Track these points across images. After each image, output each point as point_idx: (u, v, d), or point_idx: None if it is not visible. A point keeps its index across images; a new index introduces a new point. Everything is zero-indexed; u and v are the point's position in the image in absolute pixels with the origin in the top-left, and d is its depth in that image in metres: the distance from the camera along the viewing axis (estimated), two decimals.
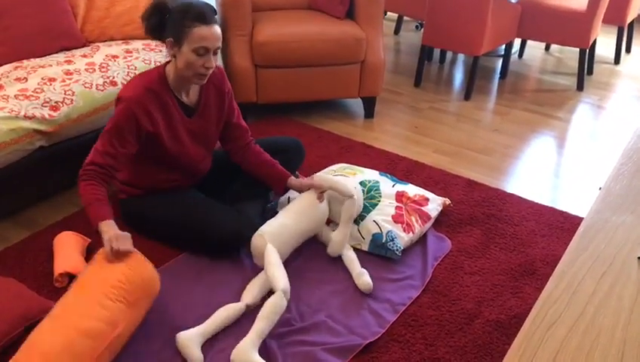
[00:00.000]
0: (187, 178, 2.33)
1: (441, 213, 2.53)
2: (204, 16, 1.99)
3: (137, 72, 2.67)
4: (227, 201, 2.37)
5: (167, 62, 2.14)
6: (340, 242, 2.22)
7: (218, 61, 3.30)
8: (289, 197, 2.45)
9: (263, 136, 3.13)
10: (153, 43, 2.88)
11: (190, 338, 1.80)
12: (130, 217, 2.34)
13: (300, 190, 2.33)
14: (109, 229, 1.89)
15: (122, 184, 2.32)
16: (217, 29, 2.02)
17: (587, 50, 3.91)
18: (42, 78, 2.44)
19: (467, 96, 3.79)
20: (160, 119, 2.11)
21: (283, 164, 2.42)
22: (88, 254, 2.22)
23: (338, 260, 2.25)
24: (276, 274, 1.92)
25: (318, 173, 2.55)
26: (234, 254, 2.25)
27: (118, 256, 1.82)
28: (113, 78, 2.59)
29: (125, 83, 2.18)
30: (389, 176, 2.61)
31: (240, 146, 2.39)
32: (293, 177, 2.37)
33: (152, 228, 2.30)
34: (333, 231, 2.29)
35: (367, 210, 2.36)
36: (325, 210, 2.28)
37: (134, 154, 2.13)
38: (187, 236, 2.23)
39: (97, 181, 1.99)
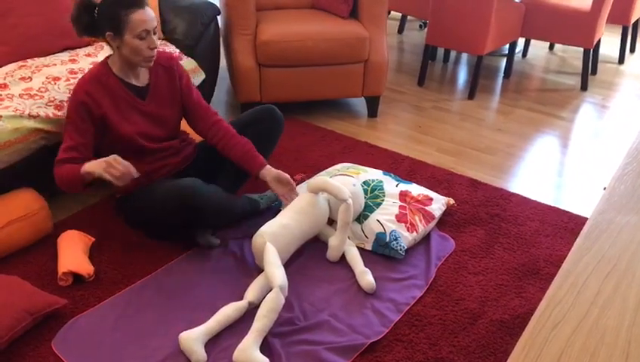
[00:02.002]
0: (167, 164, 2.32)
1: (445, 213, 2.53)
2: (136, 0, 2.05)
3: None
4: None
5: (108, 57, 2.20)
6: (338, 247, 2.22)
7: (220, 60, 3.31)
8: None
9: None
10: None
11: (194, 337, 1.81)
12: (126, 214, 2.35)
13: (271, 182, 2.26)
14: (94, 162, 2.02)
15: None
16: (149, 9, 2.08)
17: (591, 50, 3.90)
18: (47, 77, 2.45)
19: (471, 95, 3.79)
20: (107, 103, 2.15)
21: (260, 137, 2.40)
22: (92, 253, 2.23)
23: (341, 258, 2.25)
24: (273, 271, 1.93)
25: (317, 175, 2.55)
26: (201, 210, 2.13)
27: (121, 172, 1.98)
28: None
29: None
30: (392, 175, 2.61)
31: (208, 126, 2.35)
32: (269, 167, 2.28)
33: (140, 222, 2.31)
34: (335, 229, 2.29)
35: (370, 209, 2.36)
36: (326, 209, 2.28)
37: (100, 146, 2.20)
38: (156, 207, 2.17)
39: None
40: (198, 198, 2.08)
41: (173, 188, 2.10)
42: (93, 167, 2.01)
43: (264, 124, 2.46)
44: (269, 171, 2.28)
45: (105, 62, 2.19)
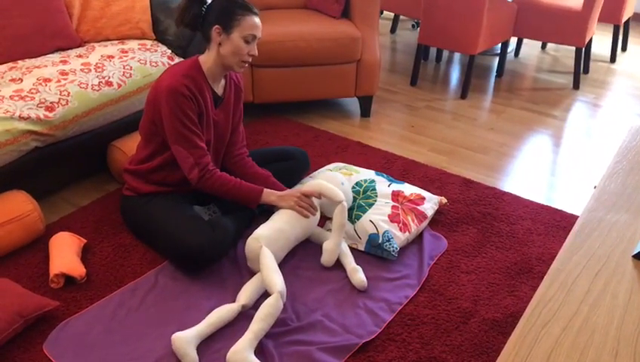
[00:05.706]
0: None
1: (437, 212, 2.53)
2: (252, 7, 2.12)
3: (133, 72, 2.67)
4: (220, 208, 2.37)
5: (198, 55, 2.20)
6: (333, 251, 2.20)
7: None
8: None
9: (260, 136, 3.13)
10: (149, 43, 2.88)
11: (186, 339, 1.80)
12: (126, 216, 2.34)
13: (275, 201, 2.23)
14: (279, 196, 2.21)
15: (133, 176, 2.29)
16: (260, 21, 2.14)
17: (583, 49, 3.92)
18: (37, 79, 2.44)
19: (463, 94, 3.79)
20: (200, 102, 2.15)
21: (288, 171, 2.48)
22: (84, 255, 2.22)
23: None
24: (273, 276, 1.92)
25: (309, 179, 2.55)
26: (204, 268, 2.16)
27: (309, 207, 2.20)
28: (109, 78, 2.59)
29: (158, 77, 2.18)
30: (385, 175, 2.61)
31: (236, 153, 2.40)
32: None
33: (139, 232, 2.30)
34: (328, 230, 2.28)
35: (363, 209, 2.36)
36: (318, 213, 2.29)
37: (149, 142, 2.21)
38: (158, 245, 2.22)
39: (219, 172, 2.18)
40: (205, 259, 2.10)
41: (185, 244, 2.06)
42: (280, 201, 2.19)
43: (294, 162, 2.54)
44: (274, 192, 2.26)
45: (196, 60, 2.17)
